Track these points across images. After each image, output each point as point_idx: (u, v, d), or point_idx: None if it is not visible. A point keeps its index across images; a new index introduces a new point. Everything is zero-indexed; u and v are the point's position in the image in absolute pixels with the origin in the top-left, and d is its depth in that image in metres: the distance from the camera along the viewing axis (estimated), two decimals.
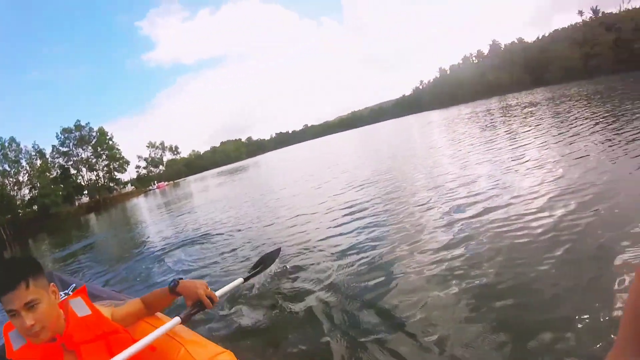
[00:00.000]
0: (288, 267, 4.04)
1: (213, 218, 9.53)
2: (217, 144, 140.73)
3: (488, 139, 11.62)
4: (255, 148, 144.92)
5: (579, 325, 2.06)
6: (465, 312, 2.46)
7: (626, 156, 5.55)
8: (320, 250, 4.51)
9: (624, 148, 6.09)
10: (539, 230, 3.49)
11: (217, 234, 7.13)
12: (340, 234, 5.04)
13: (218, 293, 1.55)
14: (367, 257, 3.90)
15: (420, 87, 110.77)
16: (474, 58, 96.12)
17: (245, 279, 1.93)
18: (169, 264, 5.77)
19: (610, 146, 6.48)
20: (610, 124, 8.70)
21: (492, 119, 19.53)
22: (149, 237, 9.85)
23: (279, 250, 2.59)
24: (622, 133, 7.38)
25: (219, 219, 9.02)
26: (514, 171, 6.34)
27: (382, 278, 3.29)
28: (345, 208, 6.59)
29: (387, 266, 3.53)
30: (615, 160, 5.54)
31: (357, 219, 5.65)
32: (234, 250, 5.58)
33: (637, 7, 65.23)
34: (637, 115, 8.99)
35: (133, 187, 75.95)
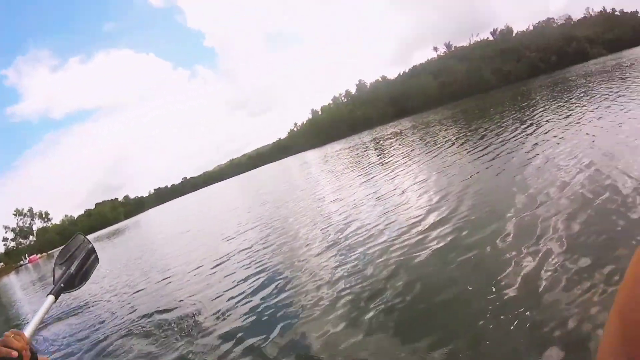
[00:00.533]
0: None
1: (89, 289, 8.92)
2: (92, 206, 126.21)
3: (357, 169, 12.72)
4: (133, 207, 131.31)
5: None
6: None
7: (474, 166, 6.59)
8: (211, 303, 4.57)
9: (474, 161, 7.20)
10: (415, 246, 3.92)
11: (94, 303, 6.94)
12: (231, 283, 5.06)
13: (28, 329, 1.14)
14: (258, 299, 4.08)
15: (295, 129, 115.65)
16: (342, 97, 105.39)
17: (57, 295, 1.34)
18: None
19: (463, 160, 7.62)
20: (463, 143, 10.38)
21: (362, 151, 21.34)
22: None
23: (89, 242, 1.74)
24: (472, 150, 8.75)
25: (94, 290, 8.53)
26: (383, 197, 6.85)
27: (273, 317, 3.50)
28: (231, 257, 6.58)
29: (275, 302, 3.80)
30: (470, 173, 6.41)
31: (248, 265, 5.69)
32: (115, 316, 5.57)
33: (484, 39, 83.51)
34: (481, 133, 10.99)
35: (2, 263, 69.12)
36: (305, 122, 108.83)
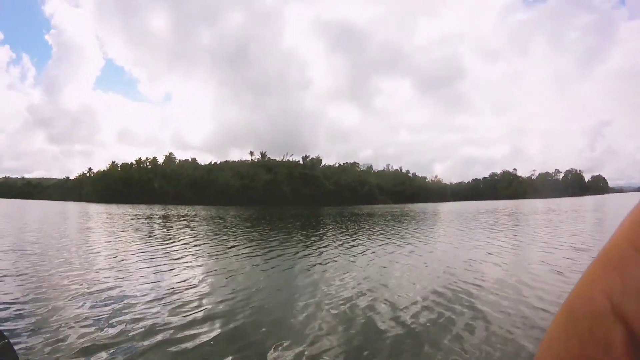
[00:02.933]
0: None
1: None
2: None
3: (138, 239, 11.70)
4: None
5: None
6: None
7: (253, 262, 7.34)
8: None
9: (257, 266, 7.87)
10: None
11: None
12: None
13: None
14: None
15: (88, 174, 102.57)
16: (148, 164, 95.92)
17: None
18: None
19: (245, 259, 8.34)
20: (252, 246, 11.15)
21: (148, 223, 19.97)
22: None
23: None
24: (257, 253, 9.64)
25: None
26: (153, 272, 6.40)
27: None
28: None
29: None
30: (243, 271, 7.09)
31: None
32: None
33: (295, 160, 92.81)
34: (267, 240, 12.24)
35: None
36: (100, 172, 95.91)
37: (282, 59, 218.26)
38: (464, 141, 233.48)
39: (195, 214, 29.78)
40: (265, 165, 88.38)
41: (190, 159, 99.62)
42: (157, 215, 29.19)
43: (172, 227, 17.91)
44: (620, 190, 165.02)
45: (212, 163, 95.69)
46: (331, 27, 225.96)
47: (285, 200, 71.98)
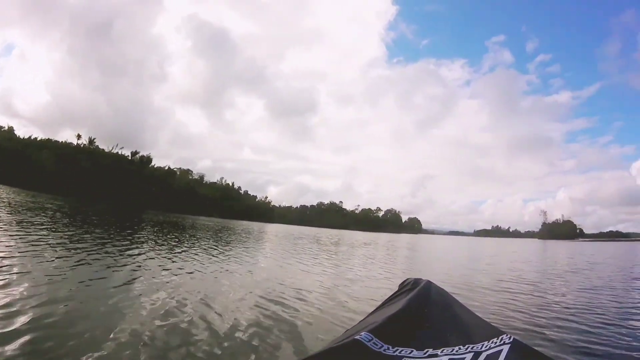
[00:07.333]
0: None
1: None
2: None
3: None
4: None
5: None
6: None
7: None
8: None
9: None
10: None
11: None
12: None
13: None
14: None
15: None
16: None
17: None
18: None
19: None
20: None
21: None
22: None
23: None
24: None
25: None
26: None
27: None
28: None
29: None
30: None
31: None
32: None
33: (124, 154, 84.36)
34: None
35: None
36: None
37: (147, 45, 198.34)
38: (302, 170, 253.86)
39: None
40: (90, 152, 79.88)
41: (7, 127, 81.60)
42: None
43: None
44: (432, 232, 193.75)
45: (32, 138, 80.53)
46: (206, 28, 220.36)
47: (106, 196, 67.69)
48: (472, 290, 8.47)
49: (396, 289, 1.66)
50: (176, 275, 7.58)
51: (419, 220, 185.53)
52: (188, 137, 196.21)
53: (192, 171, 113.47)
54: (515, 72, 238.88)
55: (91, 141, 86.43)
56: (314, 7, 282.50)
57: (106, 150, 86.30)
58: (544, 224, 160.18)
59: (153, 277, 6.98)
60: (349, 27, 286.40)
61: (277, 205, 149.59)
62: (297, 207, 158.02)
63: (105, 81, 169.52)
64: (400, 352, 1.11)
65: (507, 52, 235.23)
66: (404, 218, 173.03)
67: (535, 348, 1.04)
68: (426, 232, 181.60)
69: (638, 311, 6.87)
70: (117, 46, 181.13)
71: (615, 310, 6.81)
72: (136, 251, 10.28)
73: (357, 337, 1.13)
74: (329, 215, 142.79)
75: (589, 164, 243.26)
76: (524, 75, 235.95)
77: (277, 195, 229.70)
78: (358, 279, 9.41)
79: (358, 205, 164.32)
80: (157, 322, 4.47)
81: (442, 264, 17.12)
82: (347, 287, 8.17)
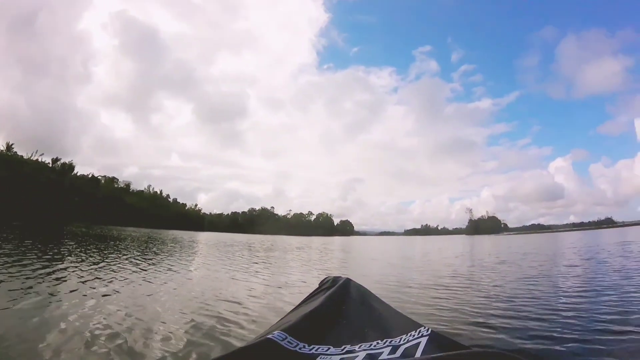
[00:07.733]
0: None
1: None
2: None
3: None
4: None
5: None
6: None
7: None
8: None
9: None
10: None
11: None
12: None
13: None
14: None
15: None
16: None
17: None
18: None
19: None
20: None
21: None
22: None
23: None
24: None
25: None
26: None
27: None
28: None
29: None
30: None
31: None
32: None
33: (43, 159, 79.48)
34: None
35: None
36: None
37: (71, 42, 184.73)
38: (231, 176, 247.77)
39: None
40: (5, 159, 74.77)
41: None
42: None
43: None
44: (364, 233, 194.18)
45: None
46: (134, 26, 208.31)
47: (25, 208, 65.19)
48: (408, 287, 8.56)
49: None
50: (92, 298, 6.23)
51: (350, 223, 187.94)
52: (113, 143, 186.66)
53: (117, 179, 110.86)
54: (440, 81, 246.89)
55: (9, 146, 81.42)
56: (247, 11, 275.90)
57: (25, 157, 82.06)
58: (471, 221, 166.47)
59: (60, 301, 5.92)
60: (281, 33, 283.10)
61: (208, 213, 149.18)
62: (228, 214, 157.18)
63: (26, 80, 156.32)
64: (316, 350, 1.09)
65: (433, 61, 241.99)
66: (336, 221, 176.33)
67: (453, 339, 1.07)
68: (358, 233, 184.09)
69: (571, 296, 6.78)
70: (40, 42, 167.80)
71: (547, 297, 6.69)
72: (48, 269, 9.06)
73: (269, 336, 1.09)
74: (261, 221, 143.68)
75: (510, 165, 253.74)
76: (448, 83, 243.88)
77: (207, 202, 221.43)
78: (292, 284, 9.29)
79: (290, 210, 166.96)
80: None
81: (376, 264, 16.93)
82: (282, 291, 7.95)
